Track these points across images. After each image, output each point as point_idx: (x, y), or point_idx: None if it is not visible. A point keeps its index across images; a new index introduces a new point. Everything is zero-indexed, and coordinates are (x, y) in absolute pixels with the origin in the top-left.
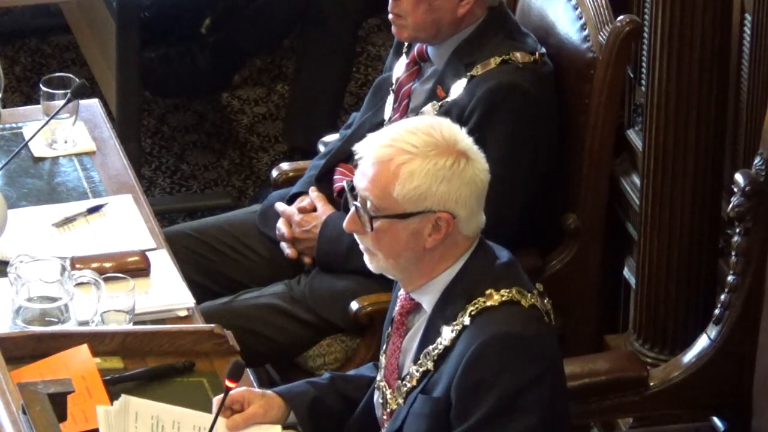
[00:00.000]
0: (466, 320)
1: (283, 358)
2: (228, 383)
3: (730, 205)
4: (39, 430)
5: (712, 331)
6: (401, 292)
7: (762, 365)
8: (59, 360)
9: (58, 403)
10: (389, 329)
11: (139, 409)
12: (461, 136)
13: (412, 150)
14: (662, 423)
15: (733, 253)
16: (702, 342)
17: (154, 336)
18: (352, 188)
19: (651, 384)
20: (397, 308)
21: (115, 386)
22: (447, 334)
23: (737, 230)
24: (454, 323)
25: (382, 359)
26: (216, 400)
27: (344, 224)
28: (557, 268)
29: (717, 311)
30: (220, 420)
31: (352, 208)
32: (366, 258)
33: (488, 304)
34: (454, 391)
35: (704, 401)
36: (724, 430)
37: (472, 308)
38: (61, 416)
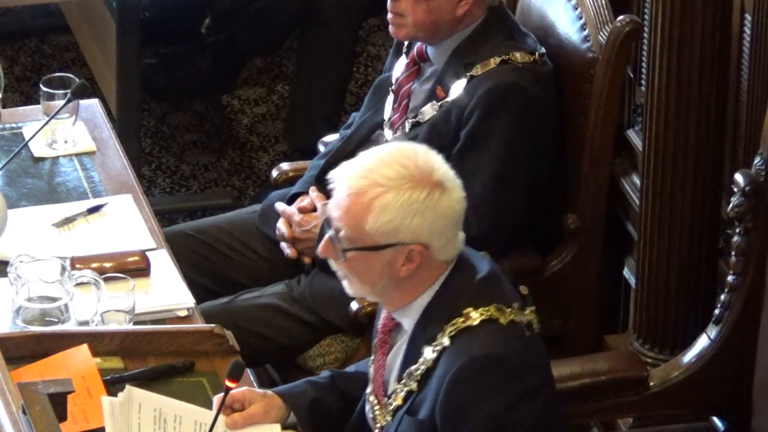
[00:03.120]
0: (446, 341)
1: (283, 358)
2: (228, 383)
3: (730, 205)
4: (39, 430)
5: (712, 331)
6: (383, 310)
7: (762, 365)
8: (59, 360)
9: (58, 403)
10: (375, 340)
11: (142, 401)
12: (437, 165)
13: (386, 183)
14: (662, 423)
15: (733, 253)
16: (702, 342)
17: (154, 336)
18: (328, 215)
19: (651, 384)
20: (379, 327)
21: (115, 386)
22: (428, 354)
23: (737, 230)
24: (435, 344)
25: (371, 370)
26: (216, 399)
27: (318, 250)
28: (557, 268)
29: (717, 311)
30: (221, 418)
31: (326, 235)
32: (344, 283)
33: (467, 324)
34: (438, 415)
35: (704, 401)
36: (724, 430)
37: (451, 329)
38: (61, 416)
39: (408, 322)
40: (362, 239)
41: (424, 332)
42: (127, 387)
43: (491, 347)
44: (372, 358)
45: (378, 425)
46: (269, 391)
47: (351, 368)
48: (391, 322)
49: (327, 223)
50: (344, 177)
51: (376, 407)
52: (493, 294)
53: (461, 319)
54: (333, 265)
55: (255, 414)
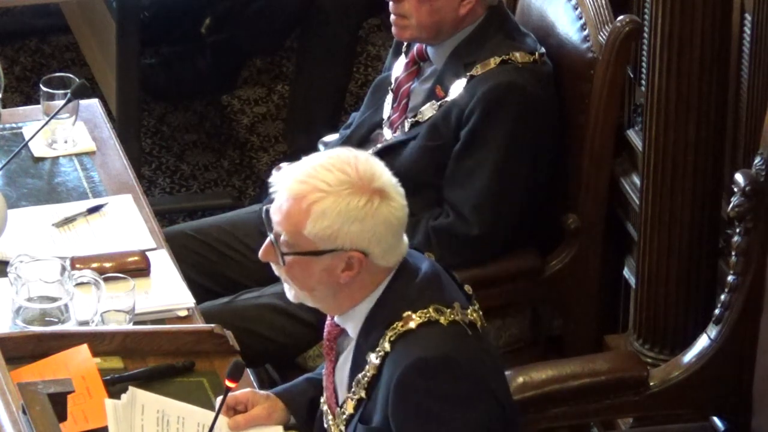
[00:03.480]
0: (387, 346)
1: (283, 358)
2: (228, 383)
3: (730, 205)
4: (39, 430)
5: (712, 331)
6: (328, 317)
7: (762, 365)
8: (59, 360)
9: (58, 403)
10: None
11: (145, 402)
12: (379, 172)
13: (325, 188)
14: (662, 423)
15: (733, 253)
16: (702, 342)
17: (154, 336)
18: (269, 218)
19: (651, 384)
20: (325, 334)
21: (115, 386)
22: (373, 360)
23: (737, 230)
24: (377, 350)
25: (324, 380)
26: (219, 401)
27: (260, 253)
28: (557, 268)
29: (717, 311)
30: (223, 419)
31: (267, 239)
32: (284, 287)
33: (406, 327)
34: (392, 422)
35: (704, 401)
36: (724, 430)
37: (390, 333)
38: (61, 416)
39: (351, 328)
40: (301, 244)
41: (368, 338)
42: (130, 389)
43: (432, 349)
44: (324, 367)
45: None
46: (272, 393)
47: None
48: (336, 329)
49: (268, 227)
50: (285, 181)
51: (329, 417)
52: (431, 295)
53: (400, 323)
54: (274, 269)
55: (258, 416)
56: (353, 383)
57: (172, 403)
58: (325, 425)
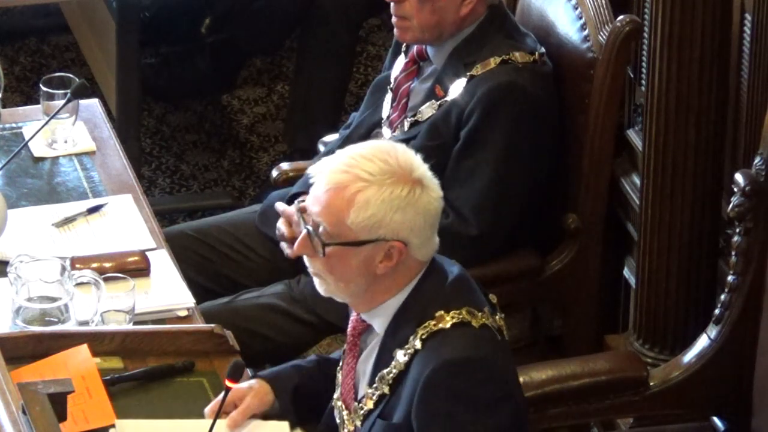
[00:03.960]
0: (418, 344)
1: (283, 358)
2: (228, 383)
3: (730, 205)
4: (39, 430)
5: (712, 331)
6: (352, 313)
7: (762, 365)
8: (59, 360)
9: (58, 403)
10: (345, 346)
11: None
12: (417, 164)
13: (368, 177)
14: (662, 423)
15: (733, 253)
16: (702, 342)
17: (154, 336)
18: (303, 210)
19: (651, 384)
20: (349, 329)
21: (115, 386)
22: (400, 357)
23: (737, 230)
24: (407, 347)
25: (339, 376)
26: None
27: (294, 248)
28: (557, 268)
29: (717, 311)
30: (221, 423)
31: (303, 232)
32: (315, 281)
33: (439, 326)
34: (414, 420)
35: (704, 401)
36: (724, 430)
37: (422, 332)
38: (61, 416)
39: (379, 324)
40: (343, 234)
41: (396, 335)
42: (117, 422)
43: (464, 351)
44: (341, 365)
45: (345, 430)
46: (253, 381)
47: (336, 354)
48: (361, 325)
49: (304, 219)
50: (325, 172)
51: (344, 412)
52: (464, 298)
53: (433, 322)
54: (308, 262)
55: (250, 406)
56: (376, 379)
57: (160, 425)
58: (338, 420)
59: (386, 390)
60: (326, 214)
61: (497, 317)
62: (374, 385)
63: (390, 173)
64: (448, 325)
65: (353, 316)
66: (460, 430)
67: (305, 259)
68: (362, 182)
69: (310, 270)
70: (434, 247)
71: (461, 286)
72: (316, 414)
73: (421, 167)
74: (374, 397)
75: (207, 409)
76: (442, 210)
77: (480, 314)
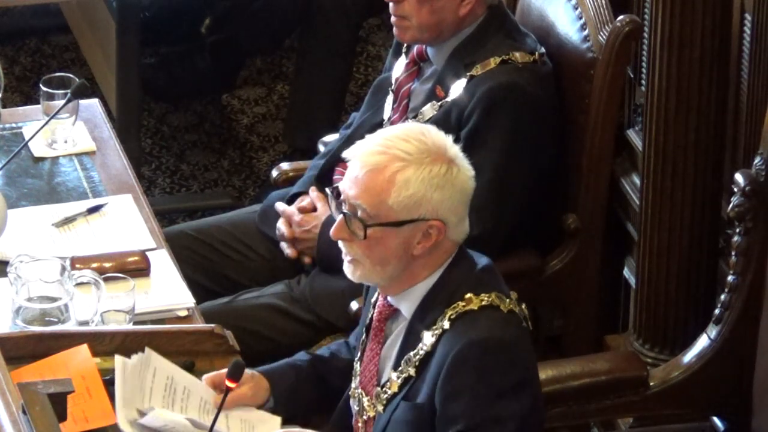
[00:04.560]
0: (446, 324)
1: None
2: (228, 383)
3: (730, 205)
4: (39, 430)
5: (712, 331)
6: (378, 299)
7: (762, 365)
8: (59, 360)
9: (58, 403)
10: (363, 337)
11: (158, 366)
12: (449, 143)
13: (407, 157)
14: (662, 423)
15: (733, 253)
16: (702, 342)
17: (154, 336)
18: (338, 195)
19: (651, 384)
20: (375, 315)
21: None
22: (428, 339)
23: (737, 230)
24: (434, 328)
25: (357, 367)
26: (214, 397)
27: (332, 232)
28: (557, 268)
29: (717, 311)
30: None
31: (340, 216)
32: (348, 268)
33: (468, 308)
34: (438, 396)
35: (704, 401)
36: (724, 430)
37: (451, 312)
38: (61, 416)
39: (407, 306)
40: (384, 215)
41: (424, 318)
42: (147, 350)
43: (492, 331)
44: (359, 355)
45: (364, 417)
46: (256, 372)
47: (324, 350)
48: (388, 309)
49: (340, 203)
50: (360, 154)
51: (365, 399)
52: (494, 283)
53: (462, 303)
54: (344, 247)
55: (243, 395)
56: (402, 362)
57: (182, 373)
58: (356, 408)
59: (412, 372)
60: (366, 196)
61: (523, 307)
62: (399, 368)
63: (427, 152)
64: (476, 307)
65: (380, 302)
66: (481, 409)
67: (340, 244)
68: (401, 162)
69: (346, 256)
70: (466, 228)
71: (490, 273)
72: (304, 412)
73: (453, 147)
74: (399, 380)
75: (206, 377)
76: None
77: (508, 300)
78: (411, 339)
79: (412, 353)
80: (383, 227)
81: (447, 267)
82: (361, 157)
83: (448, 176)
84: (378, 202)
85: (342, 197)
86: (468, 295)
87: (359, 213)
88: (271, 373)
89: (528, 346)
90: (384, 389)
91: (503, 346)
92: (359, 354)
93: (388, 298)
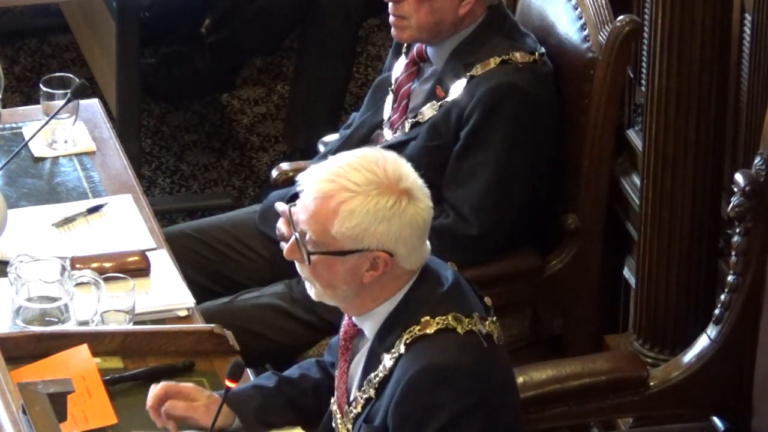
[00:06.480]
0: (402, 348)
1: (283, 358)
2: (228, 383)
3: (730, 205)
4: (39, 430)
5: (712, 331)
6: (345, 317)
7: (762, 365)
8: (59, 360)
9: (58, 403)
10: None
11: None
12: (406, 174)
13: (354, 188)
14: (662, 423)
15: (733, 253)
16: (702, 342)
17: (154, 336)
18: (293, 215)
19: (651, 384)
20: (341, 333)
21: (115, 386)
22: (387, 362)
23: (737, 230)
24: (392, 351)
25: (336, 380)
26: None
27: (284, 252)
28: (557, 268)
29: (717, 311)
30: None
31: (292, 238)
32: (306, 285)
33: (423, 332)
34: (390, 422)
35: (704, 401)
36: (724, 430)
37: (407, 336)
38: (61, 416)
39: (369, 328)
40: (328, 243)
41: (384, 340)
42: None
43: (444, 357)
44: (336, 370)
45: None
46: (215, 395)
47: (294, 370)
48: (353, 329)
49: (293, 226)
50: (312, 180)
51: (338, 416)
52: (453, 303)
53: (417, 327)
54: (298, 267)
55: (197, 407)
56: (365, 382)
57: None
58: (333, 425)
59: (372, 393)
60: (312, 223)
61: (488, 322)
62: (362, 389)
63: (376, 184)
64: (432, 331)
65: (346, 320)
66: None
67: (296, 263)
68: (348, 192)
69: (301, 274)
70: (425, 255)
71: (451, 292)
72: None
73: (410, 177)
74: (362, 401)
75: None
76: (433, 216)
77: (467, 320)
78: (373, 360)
79: (372, 374)
80: (327, 255)
81: (409, 289)
82: (313, 183)
83: (395, 209)
84: (322, 230)
85: (295, 218)
86: (425, 318)
87: (306, 238)
88: (235, 396)
89: (487, 366)
90: (351, 408)
91: (455, 373)
92: (337, 369)
93: (353, 318)
